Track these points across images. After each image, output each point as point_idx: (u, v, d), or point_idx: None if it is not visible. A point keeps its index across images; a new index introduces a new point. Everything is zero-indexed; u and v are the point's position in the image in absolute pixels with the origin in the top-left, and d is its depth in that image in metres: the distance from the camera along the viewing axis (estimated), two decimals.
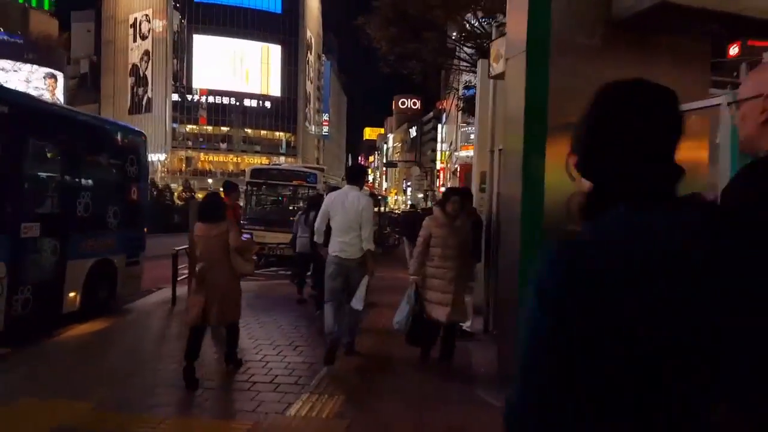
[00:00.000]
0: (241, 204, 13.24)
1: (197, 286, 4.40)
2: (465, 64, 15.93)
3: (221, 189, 7.01)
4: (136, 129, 8.16)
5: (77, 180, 6.45)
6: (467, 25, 15.44)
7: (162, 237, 15.79)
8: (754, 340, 0.75)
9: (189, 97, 69.67)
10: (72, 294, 6.38)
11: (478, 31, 15.15)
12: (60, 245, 6.05)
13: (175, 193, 32.79)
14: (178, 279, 7.69)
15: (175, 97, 68.85)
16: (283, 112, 74.70)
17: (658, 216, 0.80)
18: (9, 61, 42.65)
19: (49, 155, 6.19)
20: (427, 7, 13.34)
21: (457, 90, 21.94)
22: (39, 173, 6.10)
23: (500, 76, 5.97)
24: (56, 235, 5.98)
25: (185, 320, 4.91)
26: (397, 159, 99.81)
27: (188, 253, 8.14)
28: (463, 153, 65.19)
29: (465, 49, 15.95)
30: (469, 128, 60.14)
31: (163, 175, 63.63)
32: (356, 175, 5.08)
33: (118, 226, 7.18)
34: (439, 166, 74.58)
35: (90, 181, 6.69)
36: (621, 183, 0.85)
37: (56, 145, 6.17)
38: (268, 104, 73.53)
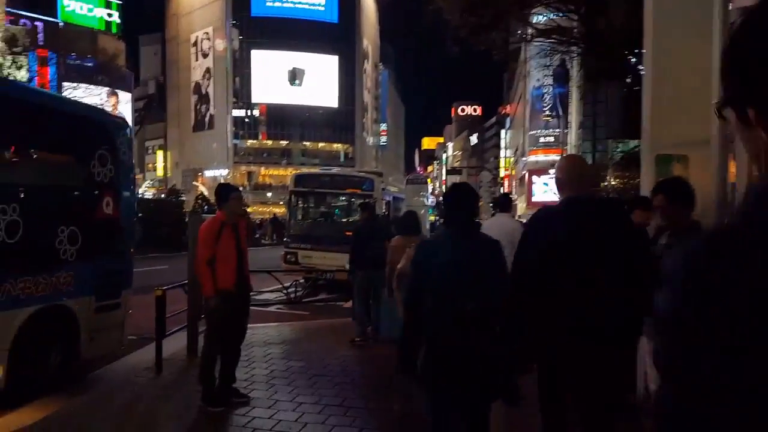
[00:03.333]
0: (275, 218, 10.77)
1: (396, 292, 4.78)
2: (552, 38, 12.90)
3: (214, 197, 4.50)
4: (110, 113, 5.83)
5: None
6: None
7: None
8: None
9: (249, 112, 69.82)
10: None
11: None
12: None
13: None
14: (167, 333, 5.18)
15: (236, 113, 69.17)
16: (341, 123, 73.44)
17: (446, 232, 2.64)
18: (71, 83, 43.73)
19: None
20: None
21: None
22: None
23: None
24: None
25: None
26: (458, 167, 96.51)
27: (185, 290, 5.71)
28: (532, 158, 61.28)
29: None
30: (541, 131, 55.86)
31: None
32: (507, 203, 6.09)
33: (79, 255, 4.80)
34: (503, 173, 70.51)
35: (18, 189, 4.35)
36: (446, 219, 2.73)
37: None
38: (325, 116, 72.56)
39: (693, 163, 3.19)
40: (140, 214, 20.76)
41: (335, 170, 15.95)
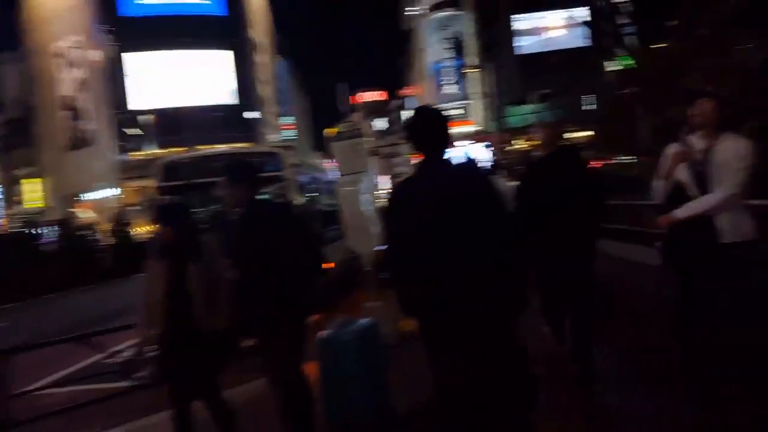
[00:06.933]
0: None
1: None
2: None
3: None
4: None
5: None
6: None
7: (85, 292, 13.52)
8: None
9: (133, 122, 63.00)
10: None
11: None
12: None
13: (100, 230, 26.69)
14: None
15: (118, 124, 62.11)
16: (241, 121, 68.36)
17: None
18: None
19: None
20: None
21: None
22: None
23: None
24: None
25: None
26: (373, 148, 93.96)
27: None
28: None
29: None
30: (445, 104, 54.20)
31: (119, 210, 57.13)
32: None
33: None
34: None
35: None
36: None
37: None
38: (223, 115, 67.15)
39: None
40: None
41: (223, 148, 11.32)
